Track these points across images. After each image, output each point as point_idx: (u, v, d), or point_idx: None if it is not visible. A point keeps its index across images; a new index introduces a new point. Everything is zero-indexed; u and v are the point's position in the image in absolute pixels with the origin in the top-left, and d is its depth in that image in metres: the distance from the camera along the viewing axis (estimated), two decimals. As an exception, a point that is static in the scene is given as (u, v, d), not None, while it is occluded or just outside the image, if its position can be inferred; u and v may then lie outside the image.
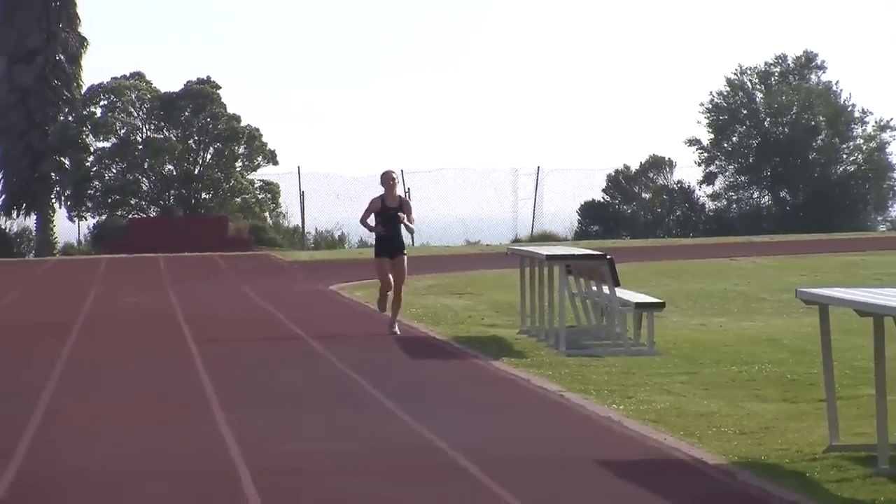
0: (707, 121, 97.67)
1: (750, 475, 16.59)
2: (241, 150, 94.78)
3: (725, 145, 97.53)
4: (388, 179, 29.81)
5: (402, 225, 30.30)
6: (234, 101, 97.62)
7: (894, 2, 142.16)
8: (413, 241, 28.87)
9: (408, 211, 30.33)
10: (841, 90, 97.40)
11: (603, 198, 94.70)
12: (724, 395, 23.11)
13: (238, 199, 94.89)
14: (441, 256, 64.70)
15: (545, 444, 19.05)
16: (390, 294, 30.93)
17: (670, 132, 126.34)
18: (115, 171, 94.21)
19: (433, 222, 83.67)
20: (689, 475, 16.98)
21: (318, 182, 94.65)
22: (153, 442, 19.85)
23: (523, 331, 33.27)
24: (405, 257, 30.92)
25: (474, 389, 24.77)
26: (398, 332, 29.62)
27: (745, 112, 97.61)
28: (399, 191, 29.91)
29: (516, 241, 78.65)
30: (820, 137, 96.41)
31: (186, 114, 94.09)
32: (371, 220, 30.39)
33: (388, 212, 29.67)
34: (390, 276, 30.26)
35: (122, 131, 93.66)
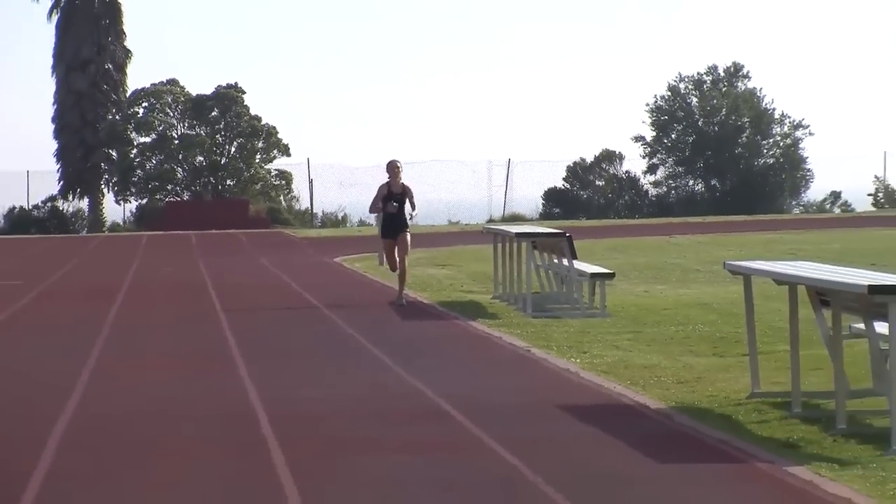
0: (650, 120, 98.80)
1: (685, 418, 16.83)
2: (260, 144, 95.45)
3: (666, 141, 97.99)
4: (392, 167, 29.24)
5: (407, 213, 29.48)
6: (256, 102, 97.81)
7: (811, 22, 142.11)
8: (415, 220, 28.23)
9: (410, 196, 29.68)
10: (763, 96, 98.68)
11: (563, 185, 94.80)
12: (663, 350, 23.30)
13: (257, 186, 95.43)
14: (427, 234, 63.65)
15: (514, 391, 19.18)
16: (397, 270, 30.22)
17: (620, 129, 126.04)
18: (154, 161, 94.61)
19: (421, 205, 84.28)
20: (634, 417, 17.18)
21: (325, 171, 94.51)
22: (186, 388, 20.10)
23: (496, 296, 33.25)
24: (408, 233, 30.13)
25: (455, 345, 24.79)
26: (405, 304, 28.89)
27: (682, 113, 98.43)
28: (402, 178, 29.14)
29: (490, 221, 78.63)
30: (745, 135, 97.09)
31: (214, 113, 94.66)
32: (379, 205, 29.85)
33: (393, 196, 29.12)
34: (395, 253, 29.57)
35: (160, 128, 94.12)
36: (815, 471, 13.55)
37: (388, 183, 28.92)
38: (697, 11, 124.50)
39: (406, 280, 30.08)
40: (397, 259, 29.62)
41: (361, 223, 72.67)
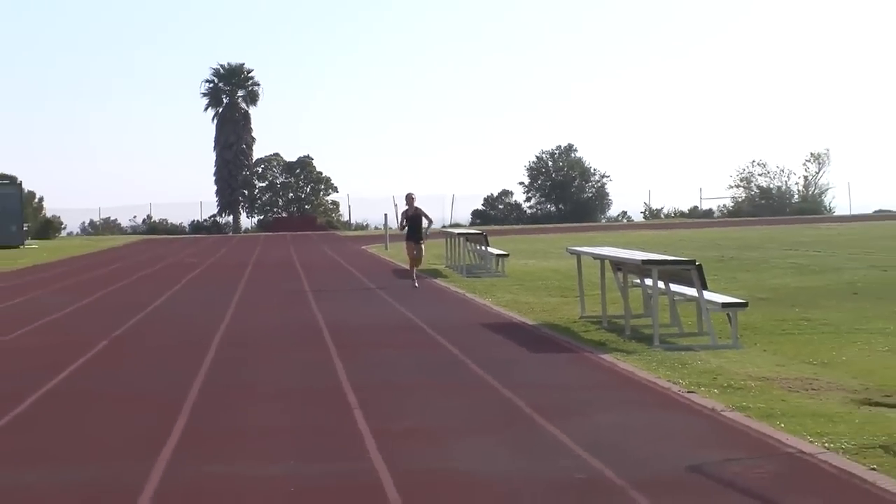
0: (528, 172, 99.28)
1: (546, 329, 17.11)
2: (322, 186, 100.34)
3: (535, 184, 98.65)
4: (409, 198, 26.67)
5: (424, 227, 26.88)
6: (320, 162, 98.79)
7: (620, 108, 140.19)
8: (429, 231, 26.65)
9: (424, 214, 26.86)
10: (587, 160, 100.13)
11: (483, 208, 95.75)
12: (534, 294, 23.38)
13: (321, 209, 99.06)
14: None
15: (456, 317, 19.24)
16: (413, 263, 27.19)
17: (513, 176, 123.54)
18: (266, 196, 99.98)
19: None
20: (519, 329, 17.33)
21: (358, 201, 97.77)
22: (282, 317, 20.16)
23: (448, 266, 33.44)
24: (423, 243, 27.09)
25: (425, 293, 24.49)
26: (417, 286, 25.73)
27: (543, 170, 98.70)
28: (416, 203, 26.66)
29: (442, 227, 79.55)
30: (576, 182, 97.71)
31: (297, 170, 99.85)
32: (403, 222, 27.19)
33: (413, 217, 26.64)
34: (414, 252, 26.83)
35: (270, 178, 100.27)
36: (614, 357, 13.85)
37: (406, 209, 26.69)
38: (552, 109, 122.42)
39: (417, 268, 26.99)
40: (414, 255, 26.81)
41: (376, 228, 73.10)
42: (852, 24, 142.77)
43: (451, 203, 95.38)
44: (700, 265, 15.66)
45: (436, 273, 30.89)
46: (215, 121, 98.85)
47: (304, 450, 8.96)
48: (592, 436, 9.13)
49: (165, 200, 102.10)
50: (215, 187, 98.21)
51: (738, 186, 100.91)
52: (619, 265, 18.01)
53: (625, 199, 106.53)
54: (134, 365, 14.35)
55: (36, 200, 79.16)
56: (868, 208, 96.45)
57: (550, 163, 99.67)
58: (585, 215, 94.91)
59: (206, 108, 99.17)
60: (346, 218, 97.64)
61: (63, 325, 19.54)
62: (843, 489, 7.36)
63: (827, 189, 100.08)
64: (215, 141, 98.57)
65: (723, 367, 12.81)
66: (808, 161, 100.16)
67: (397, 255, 42.01)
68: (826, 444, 8.63)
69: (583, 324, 17.75)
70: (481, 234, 34.27)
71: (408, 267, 27.60)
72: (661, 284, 16.13)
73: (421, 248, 26.89)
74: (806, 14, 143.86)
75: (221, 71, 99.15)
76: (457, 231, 37.22)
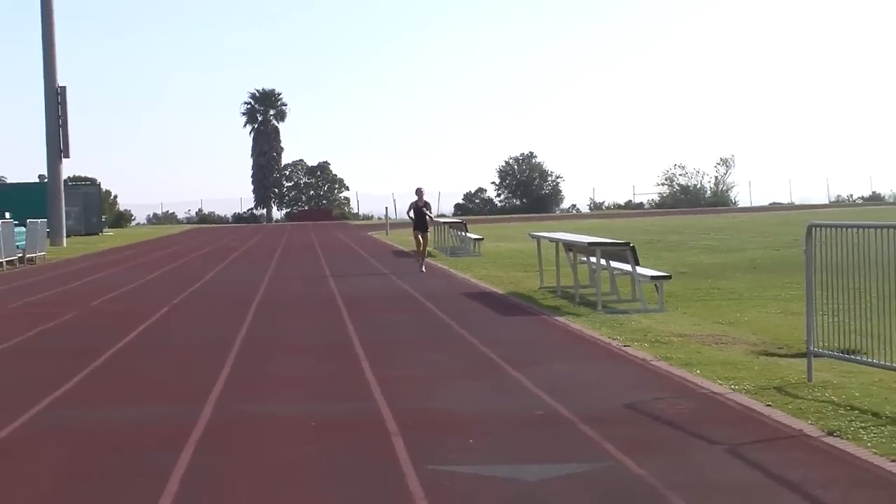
0: (498, 174, 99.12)
1: (513, 297, 16.98)
2: (336, 187, 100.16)
3: (504, 183, 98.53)
4: (419, 192, 23.78)
5: (426, 217, 24.05)
6: (335, 166, 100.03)
7: (575, 115, 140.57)
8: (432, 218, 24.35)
9: (429, 207, 24.12)
10: (545, 164, 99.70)
11: (463, 202, 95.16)
12: (505, 270, 23.16)
13: (335, 203, 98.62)
14: (408, 223, 64.44)
15: (443, 288, 18.98)
16: (419, 253, 24.42)
17: (486, 176, 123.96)
18: (292, 193, 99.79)
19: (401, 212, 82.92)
20: (492, 297, 17.13)
21: (365, 196, 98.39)
22: (305, 288, 19.91)
23: (435, 248, 32.45)
24: (428, 232, 24.43)
25: (418, 269, 23.71)
26: (424, 271, 23.11)
27: (510, 171, 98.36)
28: (425, 197, 23.95)
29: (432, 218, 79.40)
30: (536, 181, 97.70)
31: (317, 174, 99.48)
32: (410, 213, 24.14)
33: (418, 208, 23.76)
34: (420, 240, 23.95)
35: (295, 180, 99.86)
36: (566, 319, 13.68)
37: (416, 200, 23.79)
38: (517, 121, 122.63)
39: (425, 256, 24.34)
40: (421, 245, 23.99)
41: (379, 219, 72.59)
42: (750, 50, 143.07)
43: (437, 198, 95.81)
44: (633, 246, 15.62)
45: (428, 254, 30.89)
46: (252, 134, 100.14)
47: (322, 393, 8.92)
48: (549, 381, 9.08)
49: (213, 197, 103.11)
50: (252, 186, 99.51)
51: (663, 184, 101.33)
52: (570, 246, 17.91)
53: (574, 195, 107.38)
54: (188, 326, 14.28)
55: (112, 197, 79.35)
56: (765, 201, 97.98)
57: (516, 166, 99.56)
58: (543, 208, 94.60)
59: (244, 125, 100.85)
60: (355, 210, 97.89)
61: (134, 295, 19.47)
62: (745, 421, 7.41)
63: (733, 186, 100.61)
64: (252, 150, 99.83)
65: (651, 327, 12.75)
66: (718, 164, 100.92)
67: (395, 239, 42.15)
68: (732, 386, 8.65)
69: (542, 293, 17.62)
70: (462, 222, 34.35)
71: (414, 251, 25.89)
72: (603, 262, 16.14)
73: (427, 237, 24.33)
74: (712, 41, 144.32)
75: (257, 95, 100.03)
76: (442, 220, 37.34)
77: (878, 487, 5.67)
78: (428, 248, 26.08)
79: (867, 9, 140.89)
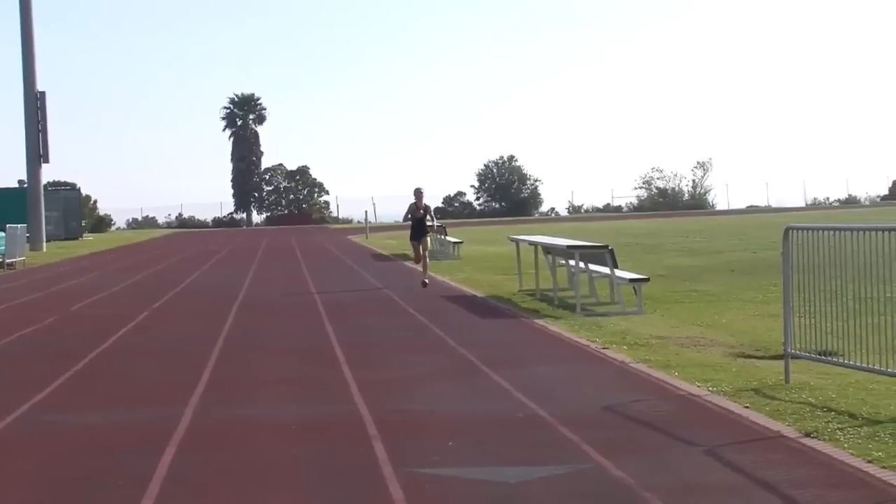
0: (477, 177, 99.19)
1: (492, 300, 16.98)
2: (316, 191, 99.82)
3: (483, 186, 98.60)
4: (417, 193, 20.64)
5: (426, 221, 20.60)
6: (315, 170, 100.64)
7: (553, 120, 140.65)
8: (434, 227, 21.09)
9: (429, 211, 20.85)
10: (524, 168, 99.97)
11: (442, 206, 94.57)
12: (485, 273, 23.25)
13: (315, 206, 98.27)
14: (387, 226, 64.03)
15: (422, 291, 18.99)
16: (420, 262, 20.80)
17: (465, 179, 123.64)
18: (272, 198, 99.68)
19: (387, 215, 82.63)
20: (472, 300, 17.16)
21: (344, 200, 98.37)
22: (287, 286, 20.33)
23: None
24: (428, 237, 21.02)
25: (397, 273, 24.34)
26: (427, 283, 20.05)
27: (490, 175, 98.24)
28: (424, 199, 20.83)
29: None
30: (515, 184, 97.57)
31: (297, 178, 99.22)
32: (408, 216, 20.76)
33: (417, 211, 20.48)
34: (419, 249, 20.57)
35: (275, 184, 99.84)
36: (545, 321, 13.72)
37: (414, 202, 20.65)
38: (495, 125, 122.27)
39: (427, 265, 20.77)
40: (420, 253, 20.72)
41: (358, 222, 72.73)
42: (728, 54, 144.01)
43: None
44: (612, 249, 15.60)
45: (405, 257, 30.26)
46: (231, 139, 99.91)
47: (302, 396, 8.88)
48: (528, 383, 9.07)
49: (193, 201, 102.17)
50: (232, 190, 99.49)
51: (641, 187, 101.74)
52: (548, 250, 17.92)
53: (553, 198, 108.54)
54: (170, 329, 14.23)
55: (91, 202, 79.13)
56: (742, 204, 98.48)
57: (495, 170, 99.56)
58: (522, 211, 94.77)
59: (224, 129, 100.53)
60: (335, 214, 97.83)
61: (115, 298, 19.42)
62: (723, 422, 7.40)
63: (710, 189, 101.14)
64: (231, 154, 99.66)
65: (630, 329, 12.75)
66: (696, 167, 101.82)
67: (375, 242, 42.13)
68: (710, 388, 8.66)
69: (521, 296, 17.61)
70: (441, 226, 34.22)
71: (413, 262, 23.42)
72: (581, 264, 16.35)
73: (426, 242, 21.11)
74: (690, 46, 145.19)
75: (236, 99, 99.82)
76: (430, 224, 37.13)
77: (854, 488, 5.70)
78: (407, 252, 26.01)
79: (843, 15, 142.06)
